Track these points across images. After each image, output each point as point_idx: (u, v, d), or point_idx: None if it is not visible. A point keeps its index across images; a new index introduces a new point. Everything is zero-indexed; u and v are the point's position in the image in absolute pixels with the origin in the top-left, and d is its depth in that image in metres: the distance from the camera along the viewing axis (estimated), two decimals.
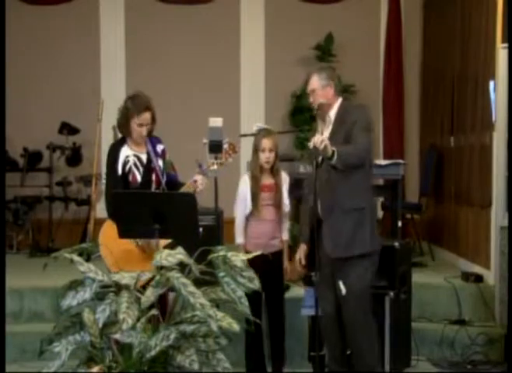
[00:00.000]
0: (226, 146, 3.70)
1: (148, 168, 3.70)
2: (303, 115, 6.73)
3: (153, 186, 3.70)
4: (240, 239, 4.04)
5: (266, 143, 3.95)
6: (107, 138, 6.27)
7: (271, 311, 4.02)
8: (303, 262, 3.71)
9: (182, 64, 6.91)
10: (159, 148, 3.77)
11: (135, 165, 3.69)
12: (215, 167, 3.68)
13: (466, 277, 4.99)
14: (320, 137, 3.25)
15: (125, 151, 3.69)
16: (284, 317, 4.08)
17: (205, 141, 3.95)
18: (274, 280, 3.93)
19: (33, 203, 6.52)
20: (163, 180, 3.70)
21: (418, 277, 4.60)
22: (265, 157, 3.95)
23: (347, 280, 3.48)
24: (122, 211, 3.26)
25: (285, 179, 4.07)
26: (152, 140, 3.76)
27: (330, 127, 3.57)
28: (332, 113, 3.57)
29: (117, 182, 3.62)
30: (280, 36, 6.91)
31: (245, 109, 6.99)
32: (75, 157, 6.58)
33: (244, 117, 6.90)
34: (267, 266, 3.67)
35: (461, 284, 4.91)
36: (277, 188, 3.98)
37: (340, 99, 3.60)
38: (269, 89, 6.96)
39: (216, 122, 3.99)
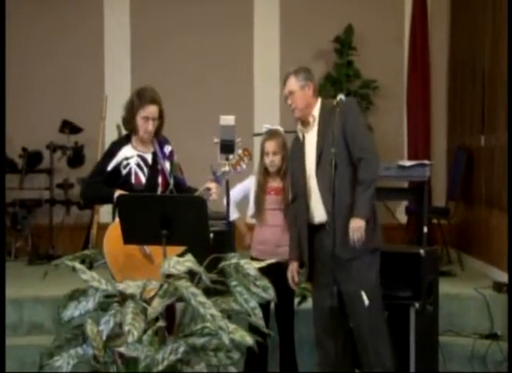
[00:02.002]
0: (240, 152, 3.70)
1: (153, 169, 3.71)
2: None
3: (159, 189, 3.71)
4: (233, 215, 4.14)
5: (269, 146, 3.99)
6: (111, 137, 6.28)
7: (280, 323, 4.04)
8: (296, 279, 3.81)
9: (191, 57, 6.92)
10: (167, 149, 3.78)
11: (139, 165, 3.69)
12: (227, 168, 3.69)
13: (498, 287, 4.95)
14: (357, 233, 3.45)
15: (127, 151, 3.70)
16: (293, 328, 4.09)
17: (216, 140, 3.96)
18: (282, 290, 3.92)
19: (32, 206, 6.56)
20: (171, 183, 3.70)
21: (446, 287, 4.58)
22: (269, 160, 4.00)
23: (352, 280, 3.54)
24: (127, 216, 3.26)
25: None
26: (160, 140, 3.77)
27: (315, 127, 3.66)
28: (316, 113, 3.67)
29: (101, 175, 3.67)
30: (296, 28, 6.91)
31: (259, 106, 6.99)
32: (77, 157, 6.61)
33: (258, 115, 6.90)
34: (275, 275, 3.65)
35: (493, 294, 4.88)
36: (284, 192, 4.00)
37: (320, 100, 3.71)
38: None
39: (228, 120, 4.00)
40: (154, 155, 3.73)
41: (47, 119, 6.65)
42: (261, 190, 4.03)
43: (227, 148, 3.88)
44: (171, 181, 3.70)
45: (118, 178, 3.67)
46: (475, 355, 4.46)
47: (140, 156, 3.71)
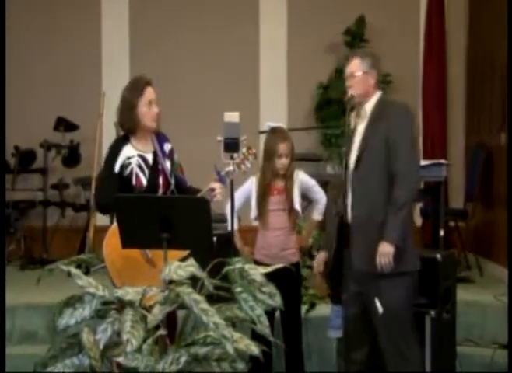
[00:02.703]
0: (244, 150, 3.71)
1: (154, 169, 3.70)
2: (330, 109, 6.72)
3: (160, 190, 3.70)
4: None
5: (284, 148, 4.00)
6: (109, 135, 6.29)
7: (287, 331, 4.04)
8: (321, 269, 3.85)
9: (193, 51, 6.93)
10: (167, 147, 3.76)
11: (140, 166, 3.68)
12: (231, 168, 3.69)
13: None
14: (384, 259, 3.41)
15: (128, 151, 3.68)
16: (301, 338, 4.10)
17: (220, 138, 3.96)
18: (289, 297, 3.91)
19: (25, 208, 6.58)
20: (172, 183, 3.70)
21: (463, 294, 4.57)
22: (282, 163, 4.01)
23: (382, 301, 3.52)
24: (125, 218, 3.27)
25: (298, 180, 4.08)
26: (159, 137, 3.77)
27: (364, 123, 3.61)
28: (369, 107, 3.62)
29: (111, 178, 3.63)
30: (305, 19, 6.91)
31: (265, 102, 7.00)
32: (72, 156, 6.62)
33: (264, 111, 6.91)
34: (281, 280, 3.64)
35: None
36: (287, 191, 4.00)
37: (379, 93, 3.66)
38: (292, 80, 6.96)
39: (232, 117, 4.00)
40: (155, 154, 3.73)
41: (40, 116, 6.67)
42: (265, 191, 4.03)
43: (231, 146, 3.88)
44: (172, 181, 3.71)
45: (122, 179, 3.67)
46: (495, 366, 4.44)
47: (141, 156, 3.70)
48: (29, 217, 6.68)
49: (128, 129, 3.70)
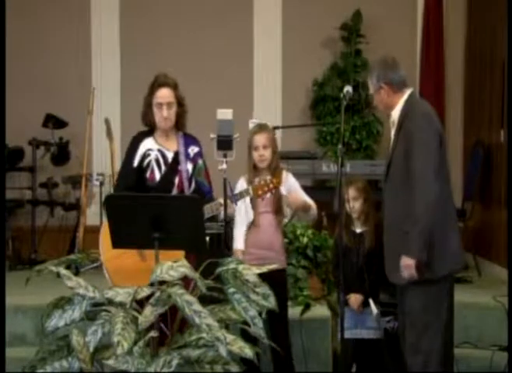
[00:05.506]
0: (268, 178, 3.69)
1: (172, 168, 3.75)
2: (326, 106, 6.73)
3: (175, 190, 3.74)
4: (237, 244, 4.04)
5: (258, 140, 3.99)
6: (99, 133, 6.31)
7: (274, 334, 4.03)
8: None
9: (186, 47, 6.92)
10: (193, 149, 3.83)
11: (157, 161, 3.76)
12: (225, 166, 3.71)
13: None
14: (407, 272, 3.41)
15: (149, 143, 3.77)
16: (289, 339, 4.09)
17: (213, 136, 3.97)
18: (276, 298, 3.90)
19: (13, 207, 6.56)
20: (191, 187, 3.74)
21: (461, 296, 4.57)
22: (258, 155, 3.99)
23: (408, 311, 3.54)
24: (116, 217, 3.27)
25: (288, 183, 4.05)
26: (187, 139, 3.82)
27: (393, 132, 3.63)
28: (395, 114, 3.62)
29: (129, 176, 3.72)
30: (300, 13, 6.91)
31: (259, 99, 7.00)
32: (61, 154, 6.61)
33: (258, 108, 6.91)
34: (267, 281, 3.60)
35: None
36: (275, 191, 3.98)
37: (405, 96, 3.60)
38: (287, 76, 6.96)
39: (225, 114, 4.01)
40: (176, 154, 3.77)
41: (29, 112, 6.65)
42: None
43: (224, 144, 3.89)
44: (191, 186, 3.74)
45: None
46: (494, 368, 4.45)
47: (160, 151, 3.78)
48: (18, 217, 6.66)
49: (147, 124, 3.80)
